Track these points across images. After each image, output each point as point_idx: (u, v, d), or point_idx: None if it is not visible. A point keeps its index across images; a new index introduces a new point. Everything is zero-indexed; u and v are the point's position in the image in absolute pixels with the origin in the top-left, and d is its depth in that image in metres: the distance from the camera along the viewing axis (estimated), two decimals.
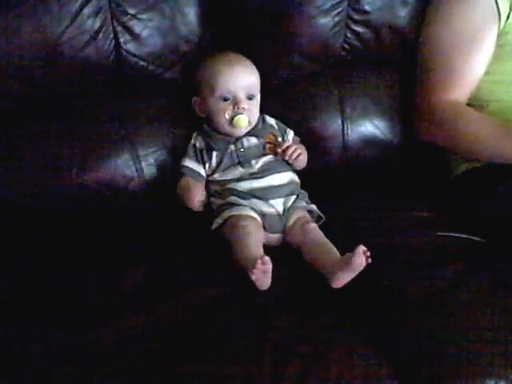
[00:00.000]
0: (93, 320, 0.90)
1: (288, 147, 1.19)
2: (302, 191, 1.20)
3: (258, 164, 1.18)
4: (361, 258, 0.95)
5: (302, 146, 1.25)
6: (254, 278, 0.94)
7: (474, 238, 1.13)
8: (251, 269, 0.93)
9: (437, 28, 1.30)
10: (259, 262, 0.92)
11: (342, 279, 0.98)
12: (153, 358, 0.83)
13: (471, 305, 0.95)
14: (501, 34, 1.25)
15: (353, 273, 0.97)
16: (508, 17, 1.23)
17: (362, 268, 0.96)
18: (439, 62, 1.30)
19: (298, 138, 1.28)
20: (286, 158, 1.19)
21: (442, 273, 1.02)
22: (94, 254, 1.08)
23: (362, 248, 0.95)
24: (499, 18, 1.23)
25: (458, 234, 1.14)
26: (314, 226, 1.13)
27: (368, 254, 0.95)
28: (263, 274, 0.94)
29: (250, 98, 1.20)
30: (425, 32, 1.33)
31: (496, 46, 1.26)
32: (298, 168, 1.23)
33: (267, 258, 0.94)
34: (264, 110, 1.27)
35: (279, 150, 1.20)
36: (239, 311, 0.93)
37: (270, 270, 0.94)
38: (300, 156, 1.20)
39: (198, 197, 1.14)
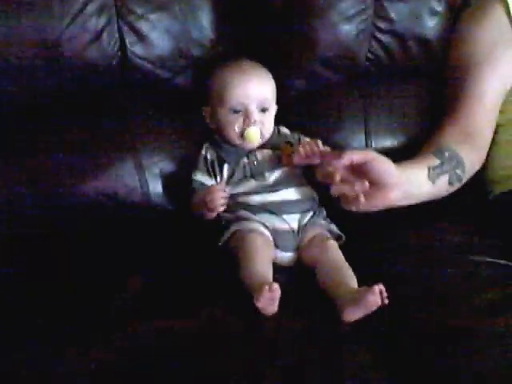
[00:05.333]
0: (81, 332, 0.84)
1: (299, 147, 1.05)
2: (320, 208, 1.12)
3: (271, 176, 1.10)
4: (376, 297, 0.85)
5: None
6: (259, 305, 0.85)
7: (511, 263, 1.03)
8: (257, 295, 0.85)
9: (455, 44, 1.27)
10: (266, 288, 0.84)
11: (353, 315, 0.88)
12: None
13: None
14: None
15: (365, 310, 0.87)
16: None
17: (375, 307, 0.86)
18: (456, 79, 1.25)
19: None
20: (303, 156, 1.02)
21: (476, 303, 0.92)
22: (90, 265, 1.01)
23: (378, 288, 0.85)
24: None
25: (494, 260, 1.03)
26: (333, 243, 1.04)
27: (385, 294, 0.85)
28: (270, 302, 0.86)
29: (263, 110, 1.12)
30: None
31: None
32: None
33: (276, 286, 0.85)
34: (283, 120, 1.20)
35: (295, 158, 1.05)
36: (241, 338, 0.84)
37: (278, 297, 0.86)
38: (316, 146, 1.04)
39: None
